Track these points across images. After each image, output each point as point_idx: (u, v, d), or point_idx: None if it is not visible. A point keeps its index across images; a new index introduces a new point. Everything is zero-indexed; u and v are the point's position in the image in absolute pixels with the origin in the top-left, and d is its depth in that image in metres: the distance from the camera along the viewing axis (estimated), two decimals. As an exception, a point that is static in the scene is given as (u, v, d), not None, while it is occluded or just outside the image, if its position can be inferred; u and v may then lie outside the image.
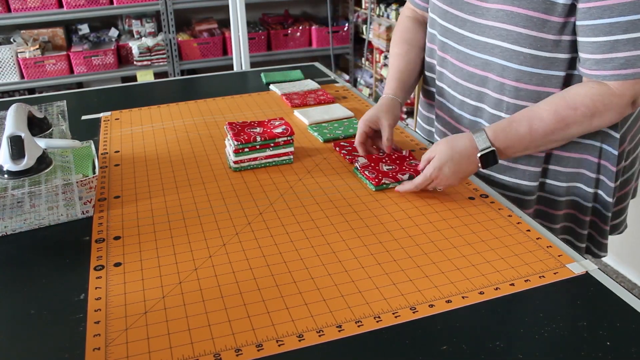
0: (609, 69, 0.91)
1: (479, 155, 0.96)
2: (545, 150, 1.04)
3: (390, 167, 1.08)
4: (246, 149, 1.09)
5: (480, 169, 0.98)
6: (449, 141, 0.99)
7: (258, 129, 1.12)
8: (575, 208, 1.12)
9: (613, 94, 0.92)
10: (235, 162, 1.09)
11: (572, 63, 0.99)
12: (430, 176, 0.97)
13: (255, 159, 1.10)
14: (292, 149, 1.12)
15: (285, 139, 1.10)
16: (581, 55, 0.94)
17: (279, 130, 1.11)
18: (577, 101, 0.93)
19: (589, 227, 1.13)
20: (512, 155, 1.00)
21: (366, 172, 1.05)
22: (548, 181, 1.10)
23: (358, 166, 1.08)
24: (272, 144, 1.10)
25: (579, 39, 0.94)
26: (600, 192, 1.09)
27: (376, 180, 1.03)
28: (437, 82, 1.20)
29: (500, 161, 1.00)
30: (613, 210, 1.14)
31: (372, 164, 1.08)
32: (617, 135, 1.02)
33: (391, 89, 1.20)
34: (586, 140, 1.04)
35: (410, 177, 1.03)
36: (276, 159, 1.12)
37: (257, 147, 1.09)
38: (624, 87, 0.91)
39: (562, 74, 0.99)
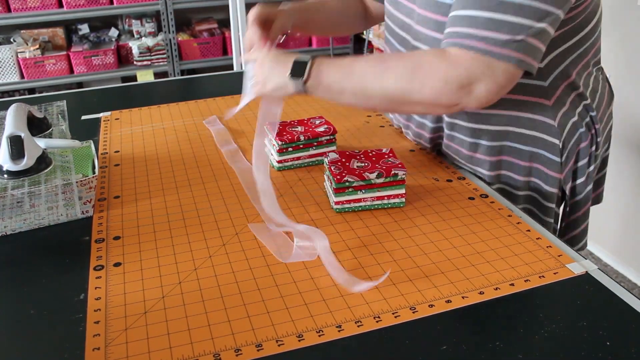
0: (453, 37, 0.84)
1: (294, 60, 0.90)
2: (366, 106, 0.95)
3: (362, 164, 0.97)
4: (290, 149, 1.09)
5: (289, 78, 0.90)
6: None
7: (299, 128, 1.12)
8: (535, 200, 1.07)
9: (447, 58, 0.83)
10: (278, 162, 1.09)
11: None
12: (253, 64, 0.96)
13: (298, 158, 1.10)
14: (334, 147, 1.12)
15: (328, 137, 1.10)
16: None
17: (321, 129, 1.11)
18: (409, 53, 0.92)
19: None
20: (327, 85, 0.90)
21: (332, 168, 0.95)
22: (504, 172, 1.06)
23: (327, 161, 0.98)
24: (315, 143, 1.10)
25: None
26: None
27: (338, 177, 0.93)
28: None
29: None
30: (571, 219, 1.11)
31: (343, 159, 0.98)
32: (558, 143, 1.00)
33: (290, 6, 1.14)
34: (537, 134, 1.01)
35: (379, 175, 0.93)
36: (319, 158, 1.11)
37: (301, 146, 1.09)
38: (461, 56, 0.82)
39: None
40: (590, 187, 1.09)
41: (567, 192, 1.07)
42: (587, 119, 1.04)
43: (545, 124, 1.00)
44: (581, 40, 0.98)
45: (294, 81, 0.90)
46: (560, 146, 1.01)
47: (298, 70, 0.90)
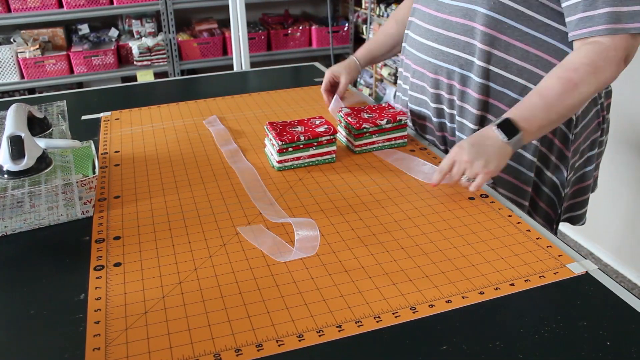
0: (595, 25, 0.95)
1: (494, 126, 0.97)
2: (566, 118, 1.03)
3: (371, 115, 1.20)
4: (290, 149, 1.09)
5: (506, 141, 0.96)
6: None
7: (300, 128, 1.13)
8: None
9: (606, 48, 0.95)
10: (278, 162, 1.09)
11: (540, 25, 1.04)
12: (450, 160, 0.98)
13: (298, 158, 1.10)
14: (334, 147, 1.12)
15: (328, 137, 1.11)
16: (568, 19, 0.99)
17: (322, 129, 1.12)
18: (576, 62, 0.97)
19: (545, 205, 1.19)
20: (538, 128, 0.99)
21: (349, 118, 1.17)
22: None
23: (342, 114, 1.20)
24: (315, 143, 1.10)
25: (564, 4, 0.99)
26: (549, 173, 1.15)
27: (357, 124, 1.14)
28: (407, 32, 1.27)
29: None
30: (572, 202, 1.22)
31: (354, 112, 1.21)
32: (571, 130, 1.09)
33: (360, 54, 1.42)
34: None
35: (388, 122, 1.16)
36: (319, 158, 1.12)
37: (301, 146, 1.09)
38: (614, 41, 0.95)
39: (526, 29, 1.04)
40: (595, 172, 1.22)
41: (572, 176, 1.15)
42: (599, 107, 1.13)
43: None
44: None
45: (513, 142, 0.97)
46: (574, 120, 1.09)
47: (509, 131, 0.97)
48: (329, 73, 1.39)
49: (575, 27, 0.97)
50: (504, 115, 0.99)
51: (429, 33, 1.16)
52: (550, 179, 1.14)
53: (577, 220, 1.26)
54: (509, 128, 0.96)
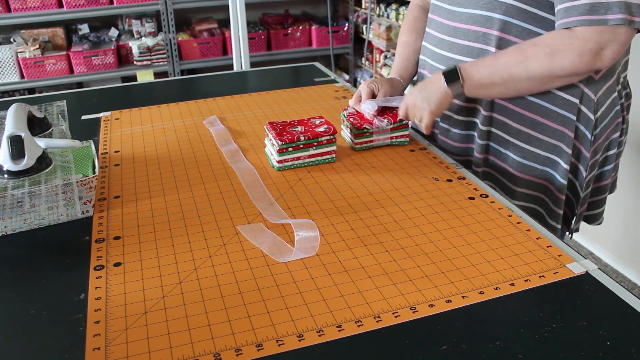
0: (575, 15, 0.94)
1: (442, 72, 1.05)
2: (514, 92, 1.06)
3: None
4: (290, 149, 1.09)
5: (446, 88, 1.05)
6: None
7: (300, 128, 1.12)
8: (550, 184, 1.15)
9: (575, 36, 0.94)
10: (278, 162, 1.09)
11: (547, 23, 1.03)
12: (404, 105, 1.12)
13: (298, 158, 1.10)
14: (334, 147, 1.12)
15: (328, 137, 1.11)
16: (555, 10, 0.98)
17: (322, 129, 1.12)
18: (539, 40, 0.99)
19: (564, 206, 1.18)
20: (478, 84, 1.04)
21: (351, 119, 1.18)
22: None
23: (345, 113, 1.21)
24: (315, 143, 1.10)
25: None
26: (572, 177, 1.14)
27: (358, 124, 1.15)
28: (423, 43, 1.26)
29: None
30: (590, 200, 1.20)
31: (357, 114, 1.20)
32: (593, 119, 1.07)
33: (397, 72, 1.32)
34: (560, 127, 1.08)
35: (388, 123, 1.16)
36: (319, 158, 1.12)
37: (301, 146, 1.09)
38: (587, 32, 0.93)
39: (537, 30, 1.04)
40: (614, 173, 1.21)
41: (588, 175, 1.13)
42: (618, 107, 1.12)
43: (585, 94, 1.06)
44: None
45: (452, 87, 1.05)
46: (594, 122, 1.07)
47: (451, 77, 1.05)
48: (364, 84, 1.23)
49: (559, 17, 0.97)
50: (457, 64, 1.06)
51: (443, 43, 1.17)
52: (569, 179, 1.13)
53: (593, 219, 1.25)
54: (453, 76, 1.04)
